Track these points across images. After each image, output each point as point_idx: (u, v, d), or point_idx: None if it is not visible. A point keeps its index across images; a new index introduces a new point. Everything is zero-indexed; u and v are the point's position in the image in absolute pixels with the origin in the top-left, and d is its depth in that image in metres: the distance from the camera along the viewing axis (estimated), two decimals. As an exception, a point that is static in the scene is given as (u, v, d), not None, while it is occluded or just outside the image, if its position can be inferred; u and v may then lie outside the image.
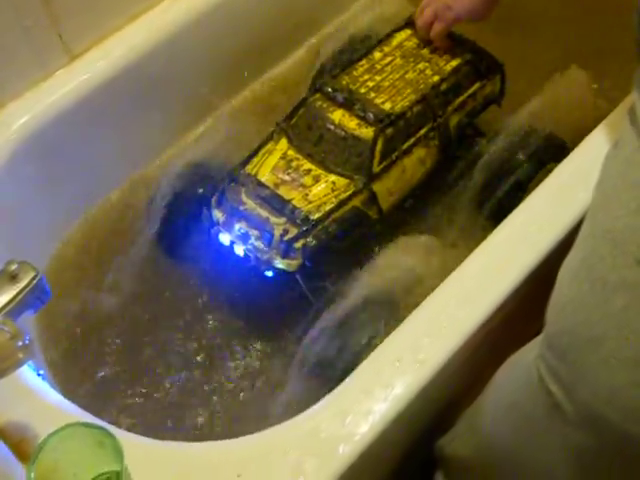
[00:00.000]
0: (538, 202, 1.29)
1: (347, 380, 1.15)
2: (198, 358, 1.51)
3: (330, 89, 1.47)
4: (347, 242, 1.44)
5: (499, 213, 1.46)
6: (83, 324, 1.55)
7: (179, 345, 1.51)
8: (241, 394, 1.48)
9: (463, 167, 1.56)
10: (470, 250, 1.26)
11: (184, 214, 1.54)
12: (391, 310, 1.38)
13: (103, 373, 1.50)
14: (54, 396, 1.17)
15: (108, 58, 1.58)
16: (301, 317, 1.46)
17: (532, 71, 1.74)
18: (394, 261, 1.43)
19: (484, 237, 1.28)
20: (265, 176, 1.43)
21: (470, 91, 1.54)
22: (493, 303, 1.18)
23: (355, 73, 1.51)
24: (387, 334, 1.20)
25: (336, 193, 1.41)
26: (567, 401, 0.94)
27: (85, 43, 1.57)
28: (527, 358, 1.03)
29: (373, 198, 1.44)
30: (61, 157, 1.59)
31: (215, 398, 1.47)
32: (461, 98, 1.52)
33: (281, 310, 1.53)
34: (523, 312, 1.25)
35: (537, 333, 1.01)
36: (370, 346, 1.32)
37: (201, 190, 1.54)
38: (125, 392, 1.48)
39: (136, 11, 1.63)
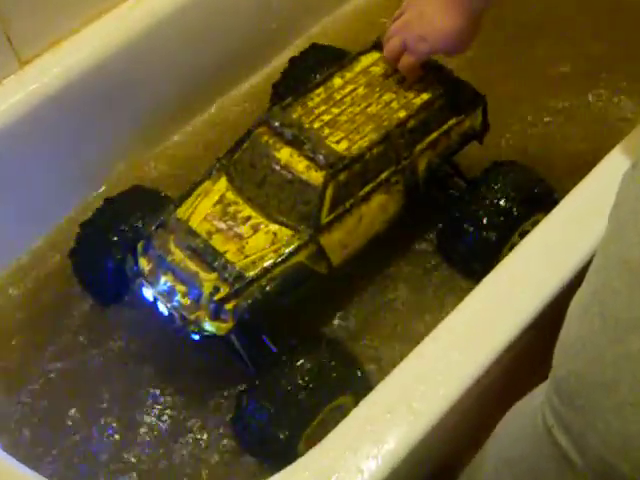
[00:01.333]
0: (547, 234, 1.24)
1: (331, 435, 1.08)
2: (114, 432, 1.40)
3: (278, 123, 1.33)
4: (291, 300, 1.32)
5: (470, 265, 1.46)
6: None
7: (96, 413, 1.40)
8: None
9: (432, 213, 1.47)
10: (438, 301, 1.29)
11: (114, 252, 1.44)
12: (348, 380, 1.30)
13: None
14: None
15: (62, 64, 1.50)
16: (236, 384, 1.38)
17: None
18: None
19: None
20: (197, 222, 1.31)
21: (444, 128, 1.40)
22: (496, 347, 1.13)
23: (310, 103, 1.37)
24: (346, 412, 1.11)
25: (277, 246, 1.28)
26: (576, 451, 0.89)
27: (37, 47, 1.50)
28: (532, 405, 0.98)
29: (321, 252, 1.31)
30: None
31: (135, 474, 1.36)
32: (432, 137, 1.38)
33: (213, 375, 1.42)
34: (530, 356, 1.20)
35: (545, 378, 0.97)
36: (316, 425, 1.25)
37: (140, 222, 1.45)
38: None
39: (94, 12, 1.55)
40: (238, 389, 1.37)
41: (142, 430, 1.38)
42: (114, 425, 1.38)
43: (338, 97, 1.38)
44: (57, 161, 1.56)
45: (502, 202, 1.40)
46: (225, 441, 1.35)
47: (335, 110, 1.36)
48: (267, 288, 1.26)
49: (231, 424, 1.35)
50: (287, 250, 1.27)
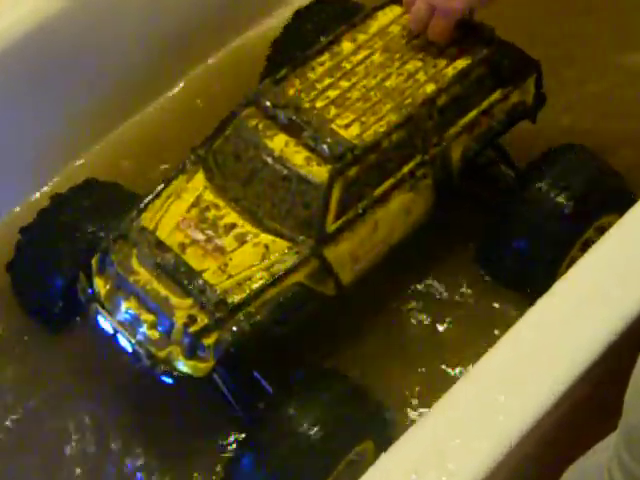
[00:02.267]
0: (620, 243, 1.09)
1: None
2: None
3: (270, 103, 1.11)
4: (288, 329, 1.11)
5: (521, 282, 1.28)
6: None
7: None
8: None
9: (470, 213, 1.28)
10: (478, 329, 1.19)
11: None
12: (366, 424, 1.13)
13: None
14: None
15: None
16: (223, 437, 1.20)
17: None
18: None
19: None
20: (167, 232, 1.10)
21: (484, 105, 1.19)
22: (553, 389, 1.00)
23: (311, 75, 1.16)
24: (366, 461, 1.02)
25: (269, 263, 1.07)
26: None
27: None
28: (596, 462, 0.90)
29: (326, 269, 1.10)
30: None
31: None
32: (469, 116, 1.17)
33: (194, 425, 1.22)
34: (595, 402, 1.10)
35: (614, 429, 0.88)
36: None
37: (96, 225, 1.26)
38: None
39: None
40: (228, 444, 1.19)
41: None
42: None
43: (348, 67, 1.17)
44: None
45: (562, 200, 1.21)
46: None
47: (344, 84, 1.15)
48: (257, 317, 1.07)
49: None
50: (282, 268, 1.07)
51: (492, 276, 1.32)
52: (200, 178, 1.14)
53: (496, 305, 1.31)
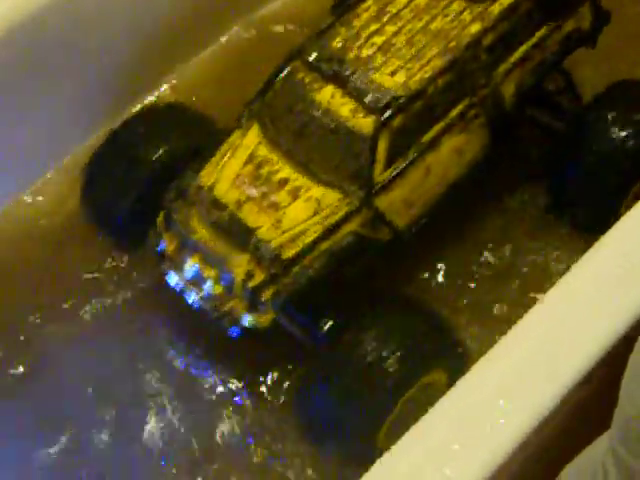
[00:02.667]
0: None
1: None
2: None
3: (315, 56, 1.11)
4: (347, 275, 1.12)
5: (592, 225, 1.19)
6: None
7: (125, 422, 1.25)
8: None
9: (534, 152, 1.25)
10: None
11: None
12: (439, 351, 1.13)
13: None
14: None
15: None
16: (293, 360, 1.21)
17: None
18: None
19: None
20: (224, 191, 1.12)
21: (535, 39, 1.15)
22: (553, 395, 0.95)
23: (356, 22, 1.14)
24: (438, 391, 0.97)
25: (322, 215, 1.08)
26: None
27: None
28: (592, 456, 0.89)
29: (379, 217, 1.10)
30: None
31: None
32: (519, 52, 1.14)
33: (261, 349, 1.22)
34: (595, 407, 1.00)
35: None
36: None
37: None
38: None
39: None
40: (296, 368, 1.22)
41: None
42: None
43: (393, 10, 1.15)
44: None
45: (626, 132, 1.17)
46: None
47: (390, 28, 1.13)
48: (313, 268, 1.08)
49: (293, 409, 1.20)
50: (335, 219, 1.08)
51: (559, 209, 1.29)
52: (254, 133, 1.15)
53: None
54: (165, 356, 1.32)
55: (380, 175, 1.09)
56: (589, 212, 1.23)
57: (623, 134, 1.19)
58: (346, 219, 1.09)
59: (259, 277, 1.08)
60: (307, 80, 1.12)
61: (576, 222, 1.26)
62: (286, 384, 1.24)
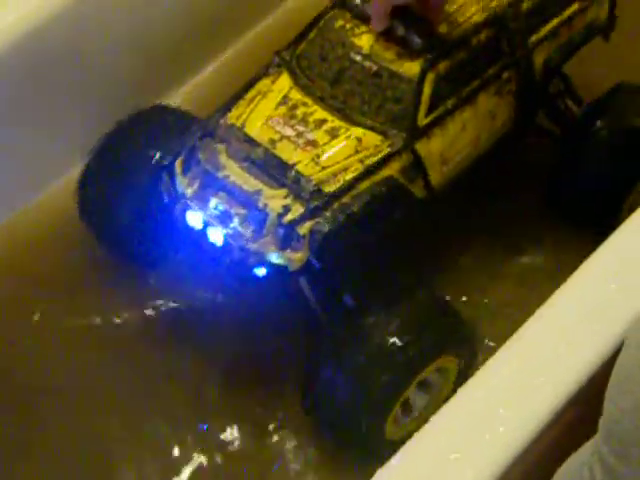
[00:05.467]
0: None
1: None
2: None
3: (358, 0, 1.17)
4: (377, 232, 1.16)
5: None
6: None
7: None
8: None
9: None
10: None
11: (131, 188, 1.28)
12: (450, 337, 1.18)
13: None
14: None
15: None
16: (306, 346, 1.23)
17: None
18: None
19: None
20: (256, 129, 1.15)
21: (565, 14, 1.26)
22: (554, 403, 0.99)
23: None
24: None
25: (362, 155, 1.12)
26: None
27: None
28: (580, 459, 0.91)
29: (418, 165, 1.15)
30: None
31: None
32: (552, 24, 1.24)
33: (277, 333, 1.28)
34: (596, 415, 1.00)
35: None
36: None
37: (157, 155, 1.28)
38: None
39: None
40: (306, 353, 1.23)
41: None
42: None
43: None
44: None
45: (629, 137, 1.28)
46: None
47: None
48: (351, 209, 1.11)
49: (301, 400, 1.20)
50: (375, 159, 1.12)
51: (560, 211, 1.37)
52: (285, 79, 1.19)
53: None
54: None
55: (423, 119, 1.14)
56: (589, 216, 1.32)
57: (620, 138, 1.28)
58: (386, 161, 1.12)
59: (297, 211, 1.09)
60: (348, 26, 1.17)
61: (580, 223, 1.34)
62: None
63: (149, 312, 1.35)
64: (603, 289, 1.06)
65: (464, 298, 1.31)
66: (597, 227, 1.23)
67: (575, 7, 1.27)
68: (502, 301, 1.31)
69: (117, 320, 1.35)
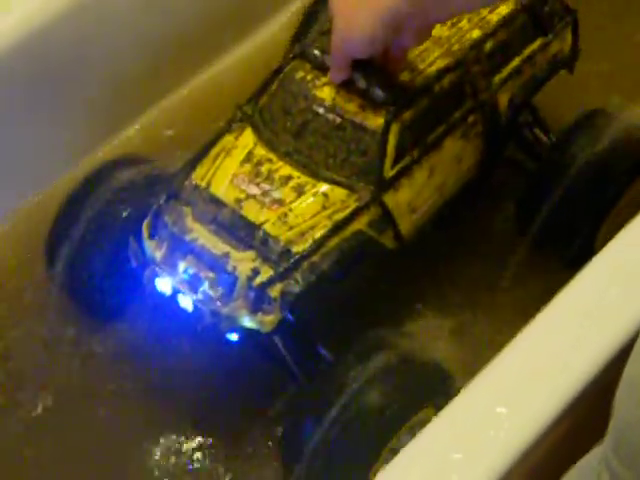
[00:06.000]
0: None
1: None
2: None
3: (318, 51, 1.17)
4: (350, 285, 1.18)
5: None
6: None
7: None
8: None
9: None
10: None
11: (102, 250, 1.27)
12: (429, 388, 1.16)
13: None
14: None
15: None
16: (284, 405, 1.24)
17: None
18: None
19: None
20: (222, 188, 1.14)
21: (527, 52, 1.27)
22: (556, 404, 0.99)
23: None
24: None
25: (330, 211, 1.12)
26: None
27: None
28: (588, 466, 0.92)
29: (386, 217, 1.16)
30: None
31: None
32: (514, 63, 1.25)
33: (252, 394, 1.27)
34: (599, 417, 1.01)
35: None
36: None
37: (125, 213, 1.28)
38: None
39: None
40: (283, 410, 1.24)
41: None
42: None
43: None
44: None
45: (598, 167, 1.28)
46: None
47: None
48: (321, 267, 1.11)
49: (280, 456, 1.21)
50: (344, 215, 1.12)
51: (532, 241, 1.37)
52: (249, 135, 1.18)
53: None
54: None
55: (389, 171, 1.14)
56: (562, 247, 1.32)
57: (590, 167, 1.28)
58: (355, 215, 1.12)
59: (266, 273, 1.09)
60: (309, 78, 1.17)
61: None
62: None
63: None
64: (604, 291, 1.06)
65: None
66: (569, 259, 1.25)
67: (538, 43, 1.28)
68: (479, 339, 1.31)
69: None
